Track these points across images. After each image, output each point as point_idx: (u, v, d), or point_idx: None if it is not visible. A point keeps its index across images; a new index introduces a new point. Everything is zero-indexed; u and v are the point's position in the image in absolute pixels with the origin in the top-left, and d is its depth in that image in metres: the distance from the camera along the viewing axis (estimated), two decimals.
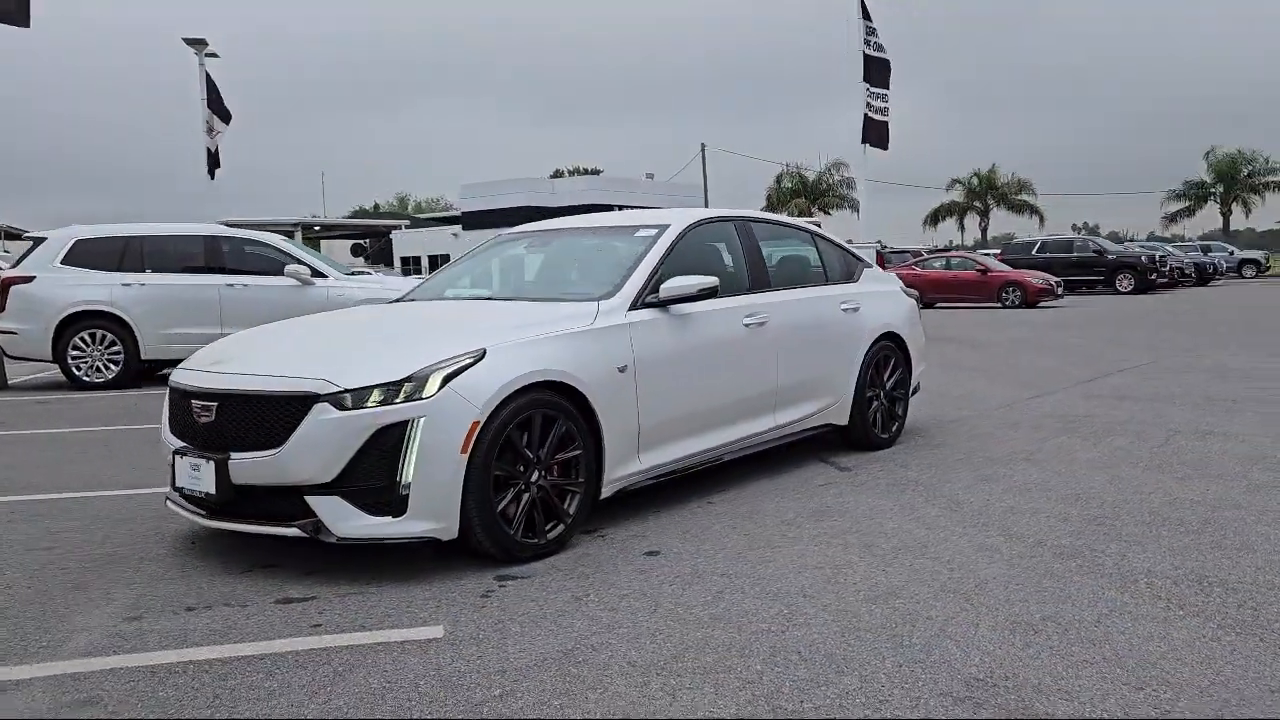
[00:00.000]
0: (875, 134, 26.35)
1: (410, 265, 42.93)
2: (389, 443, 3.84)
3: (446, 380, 3.92)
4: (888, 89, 26.52)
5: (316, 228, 45.17)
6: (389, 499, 3.86)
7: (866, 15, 25.88)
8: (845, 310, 6.24)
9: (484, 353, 4.06)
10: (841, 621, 3.38)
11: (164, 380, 4.92)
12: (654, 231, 5.29)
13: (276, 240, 12.61)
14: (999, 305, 25.70)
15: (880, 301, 6.63)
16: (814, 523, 4.70)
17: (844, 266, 6.59)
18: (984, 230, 60.39)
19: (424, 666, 3.09)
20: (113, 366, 11.41)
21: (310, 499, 3.90)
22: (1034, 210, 58.18)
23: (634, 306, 4.79)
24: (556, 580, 3.91)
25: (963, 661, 3.02)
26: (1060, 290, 27.06)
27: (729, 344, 5.25)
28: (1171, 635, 3.18)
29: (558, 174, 78.54)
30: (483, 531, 3.98)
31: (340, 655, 3.20)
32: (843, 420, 6.19)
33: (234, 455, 4.00)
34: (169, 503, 4.50)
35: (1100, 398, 8.48)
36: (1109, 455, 6.03)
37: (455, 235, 46.51)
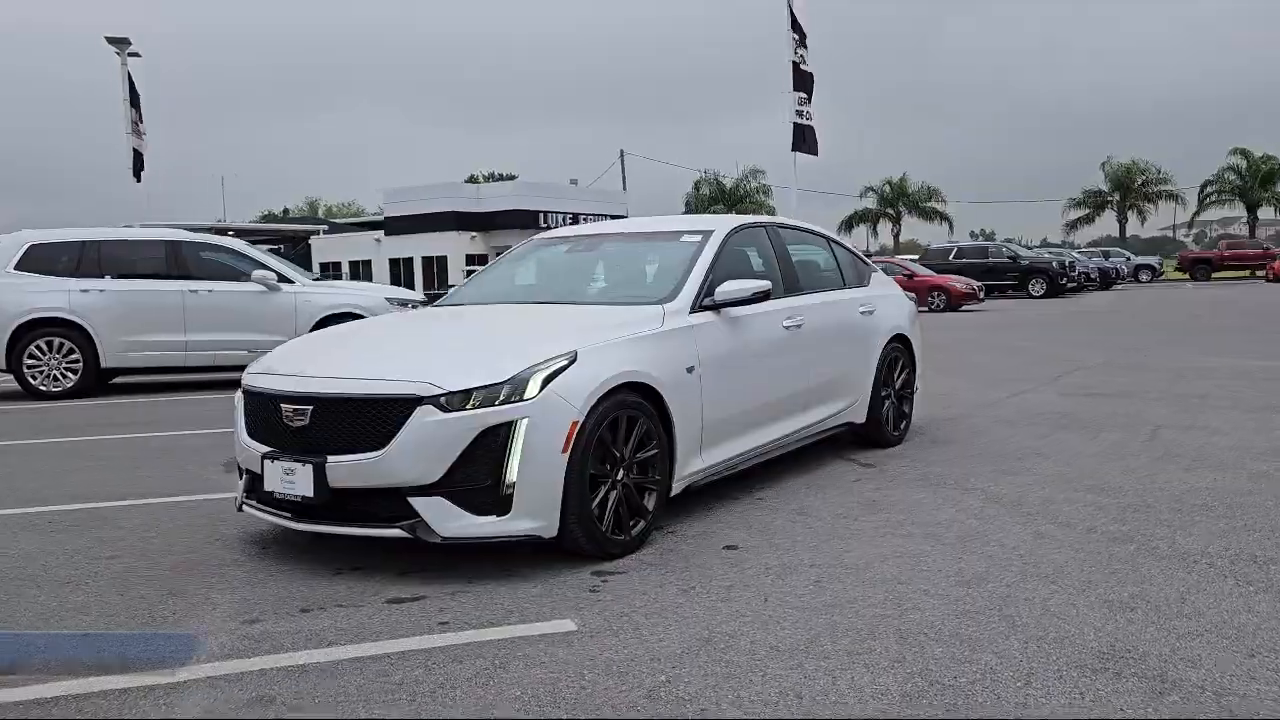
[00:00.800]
0: (805, 141, 26.99)
1: (329, 271, 42.22)
2: (493, 444, 3.92)
3: (546, 382, 4.02)
4: (808, 94, 27.23)
5: (230, 233, 44.08)
6: (493, 499, 3.94)
7: (796, 27, 26.49)
8: (863, 313, 6.51)
9: (575, 355, 4.17)
10: (948, 605, 3.59)
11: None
12: (699, 237, 5.46)
13: (240, 245, 12.41)
14: (925, 309, 26.52)
15: (890, 304, 6.92)
16: (868, 515, 4.91)
17: (856, 271, 6.86)
18: (896, 236, 62.06)
19: (578, 656, 3.19)
20: (71, 375, 11.07)
21: (413, 500, 3.96)
22: (943, 217, 60.07)
23: (693, 310, 4.95)
24: (654, 575, 4.04)
25: (1080, 637, 3.25)
26: (982, 294, 28.08)
27: (772, 345, 5.44)
28: (1256, 608, 3.47)
29: (472, 179, 77.90)
30: (579, 529, 4.09)
31: (488, 649, 3.28)
32: (861, 419, 6.45)
33: (331, 458, 4.02)
34: (246, 507, 4.49)
35: (1074, 396, 8.94)
36: (1110, 448, 6.41)
37: (378, 241, 45.91)
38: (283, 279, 11.79)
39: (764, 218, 6.12)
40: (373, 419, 4.01)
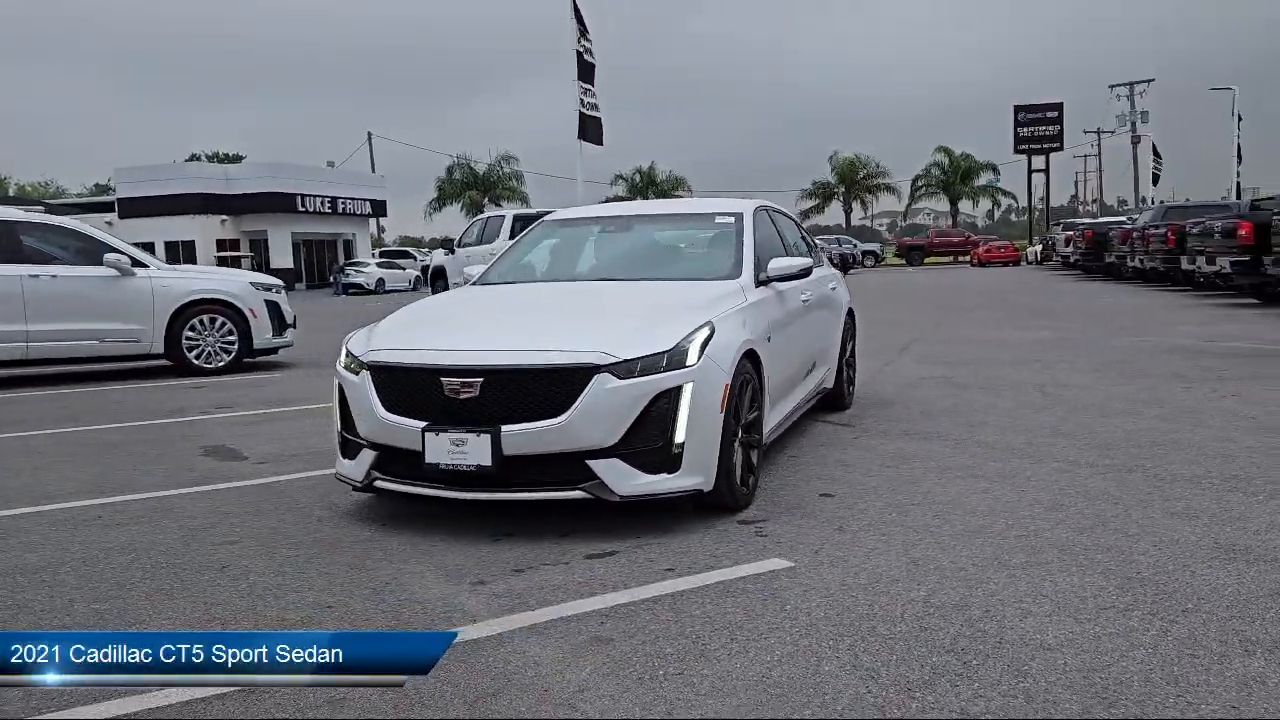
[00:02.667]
0: (591, 130, 27.71)
1: None
2: (664, 407, 4.26)
3: (702, 349, 4.40)
4: (592, 85, 28.02)
5: None
6: (664, 458, 4.27)
7: (579, 16, 27.13)
8: (832, 289, 7.24)
9: (712, 325, 4.56)
10: (1059, 525, 4.32)
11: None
12: (731, 219, 5.96)
13: (87, 227, 11.41)
14: None
15: (840, 282, 7.71)
16: (908, 464, 5.61)
17: (814, 251, 7.58)
18: None
19: (828, 583, 3.64)
20: None
21: (592, 463, 4.22)
22: None
23: (756, 285, 5.45)
24: (798, 520, 4.51)
25: (1179, 530, 4.07)
26: None
27: (799, 317, 6.03)
28: (1254, 504, 4.46)
29: (194, 158, 72.82)
30: (725, 483, 4.50)
31: (738, 586, 3.65)
32: (831, 384, 7.18)
33: (505, 427, 4.19)
34: (379, 482, 4.53)
35: (934, 364, 10.16)
36: (1025, 405, 7.53)
37: (109, 224, 42.09)
38: (136, 263, 10.99)
39: (763, 202, 6.66)
40: (550, 388, 4.22)
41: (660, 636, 3.21)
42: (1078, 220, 42.46)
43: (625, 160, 59.83)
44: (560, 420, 4.18)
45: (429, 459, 4.30)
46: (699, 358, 4.37)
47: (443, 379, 4.30)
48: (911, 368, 9.95)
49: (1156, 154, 58.88)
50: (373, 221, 53.61)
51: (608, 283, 5.55)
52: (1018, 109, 62.15)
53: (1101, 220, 36.79)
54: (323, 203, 45.36)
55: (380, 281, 41.46)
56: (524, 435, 4.19)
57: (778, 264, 5.59)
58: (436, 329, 4.82)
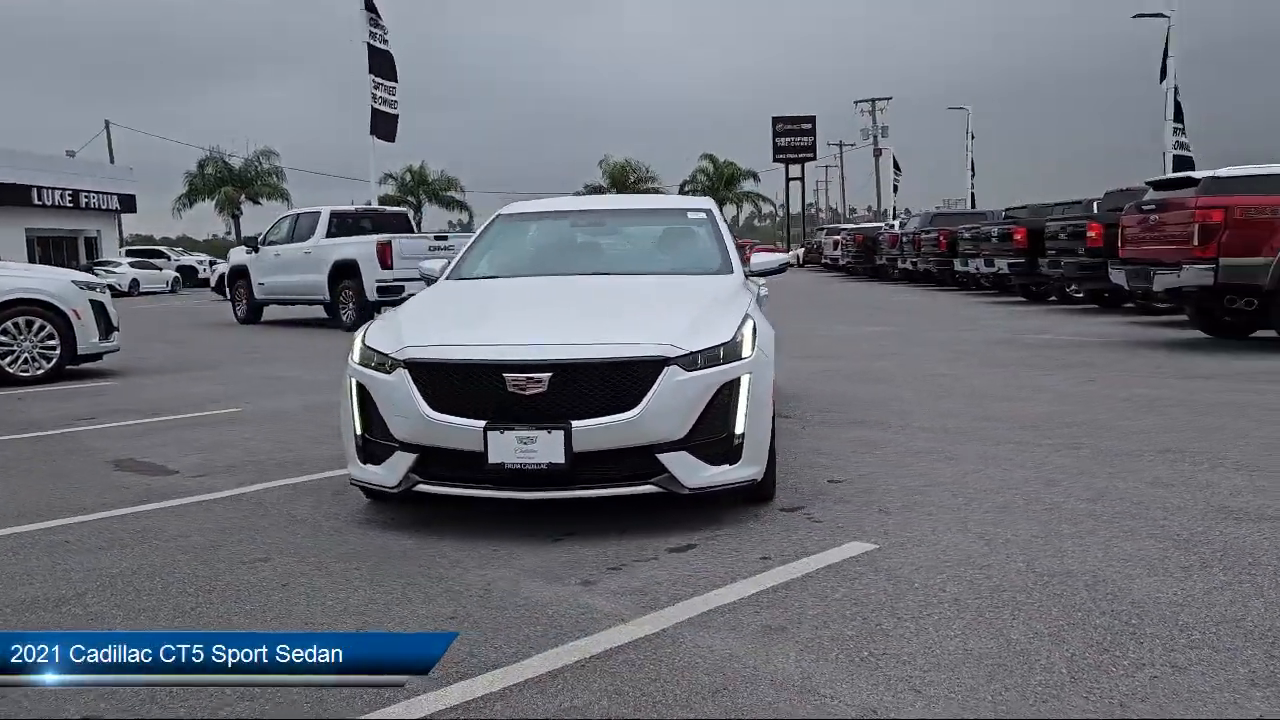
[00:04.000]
0: (383, 126, 26.93)
1: None
2: (726, 398, 4.28)
3: (754, 341, 4.46)
4: (395, 82, 27.24)
5: None
6: (726, 449, 4.30)
7: (372, 8, 26.28)
8: (760, 285, 7.46)
9: (749, 319, 4.63)
10: (1077, 500, 4.72)
11: None
12: (703, 214, 6.06)
13: None
14: None
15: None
16: (890, 447, 5.90)
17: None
18: (419, 224, 62.70)
19: (926, 560, 3.80)
20: None
21: (662, 456, 4.18)
22: (463, 206, 62.16)
23: (746, 278, 5.56)
24: (831, 506, 4.66)
25: (1167, 502, 4.57)
26: None
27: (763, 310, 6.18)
28: (1180, 469, 5.08)
29: None
30: (769, 473, 4.58)
31: (849, 569, 3.75)
32: None
33: (575, 423, 4.08)
34: (424, 486, 4.28)
35: (823, 359, 10.67)
36: (944, 394, 8.07)
37: None
38: None
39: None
40: (619, 381, 4.14)
41: (826, 621, 3.25)
42: (842, 225, 45.46)
43: (394, 159, 57.82)
44: (633, 414, 4.12)
45: (493, 459, 4.11)
46: (753, 349, 4.43)
47: (506, 375, 4.12)
48: (788, 362, 10.35)
49: (896, 166, 63.88)
50: (122, 218, 49.16)
51: (616, 277, 5.47)
52: (775, 120, 65.80)
53: (869, 225, 39.59)
54: (63, 196, 41.10)
55: (134, 283, 38.10)
56: (597, 431, 4.09)
57: (760, 259, 5.72)
58: (476, 324, 4.61)
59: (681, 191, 67.17)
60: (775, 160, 66.15)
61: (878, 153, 68.24)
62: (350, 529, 4.48)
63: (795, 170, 66.85)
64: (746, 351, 4.39)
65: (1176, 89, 27.99)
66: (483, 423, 4.12)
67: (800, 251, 53.37)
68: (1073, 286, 17.31)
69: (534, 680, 2.86)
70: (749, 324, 4.52)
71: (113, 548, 4.28)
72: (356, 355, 4.55)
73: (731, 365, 4.32)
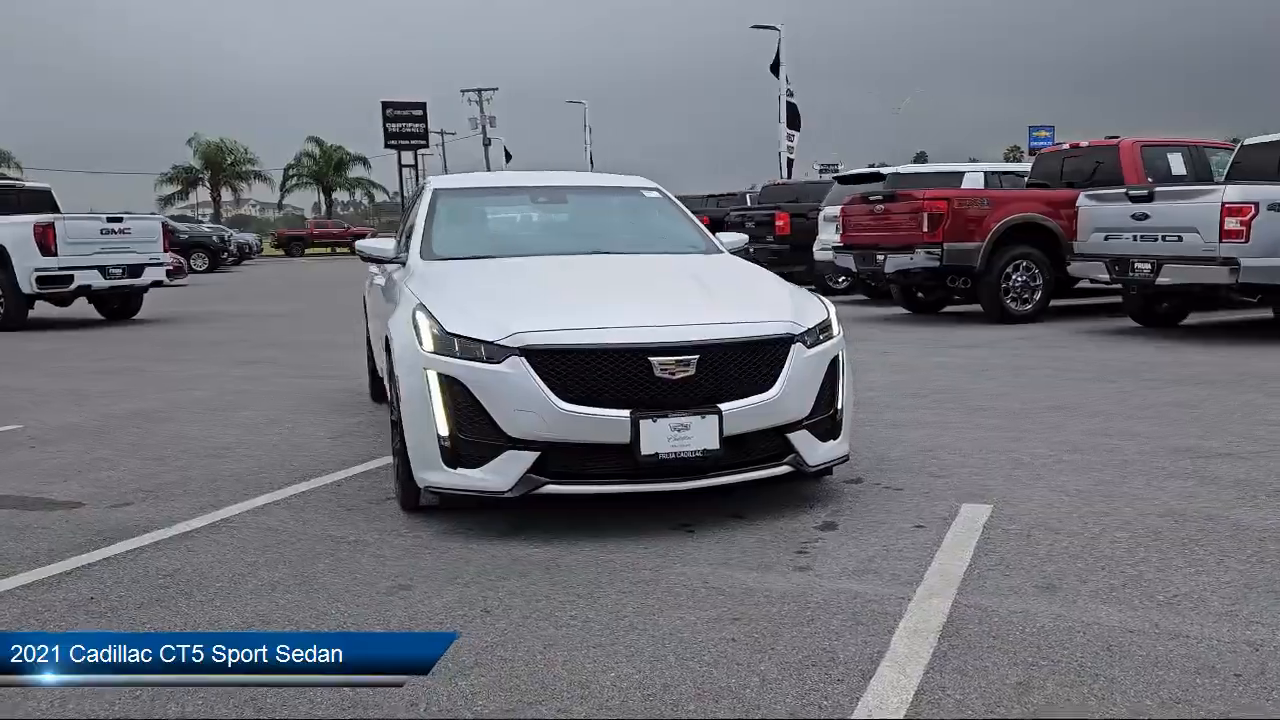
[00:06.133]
0: None
1: None
2: (833, 375, 4.31)
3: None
4: None
5: None
6: (831, 426, 4.32)
7: None
8: None
9: (818, 295, 4.68)
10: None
11: None
12: (656, 193, 5.91)
13: None
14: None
15: None
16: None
17: None
18: None
19: (1057, 515, 4.12)
20: None
21: (791, 436, 4.12)
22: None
23: None
24: (888, 474, 4.85)
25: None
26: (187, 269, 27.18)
27: None
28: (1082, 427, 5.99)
29: None
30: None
31: (1010, 528, 3.96)
32: None
33: (723, 406, 3.90)
34: (551, 487, 3.85)
35: None
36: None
37: None
38: None
39: None
40: (757, 361, 4.02)
41: (1071, 575, 3.43)
42: None
43: None
44: (772, 393, 4.01)
45: (645, 450, 3.79)
46: (838, 326, 4.47)
47: (653, 359, 3.82)
48: None
49: (508, 156, 65.10)
50: None
51: (634, 255, 5.19)
52: (385, 105, 63.74)
53: None
54: None
55: None
56: (744, 413, 3.94)
57: (726, 238, 5.73)
58: (563, 306, 4.16)
59: (285, 176, 63.42)
60: (387, 146, 64.09)
61: (487, 143, 68.94)
62: (463, 545, 3.88)
63: (409, 157, 65.43)
64: (836, 328, 4.43)
65: (790, 93, 31.36)
66: (627, 412, 3.79)
67: None
68: None
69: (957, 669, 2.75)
70: (825, 300, 4.56)
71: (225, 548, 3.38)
72: (429, 344, 3.96)
73: (834, 341, 4.34)
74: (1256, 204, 9.11)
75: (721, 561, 3.63)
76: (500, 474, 3.86)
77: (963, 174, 15.16)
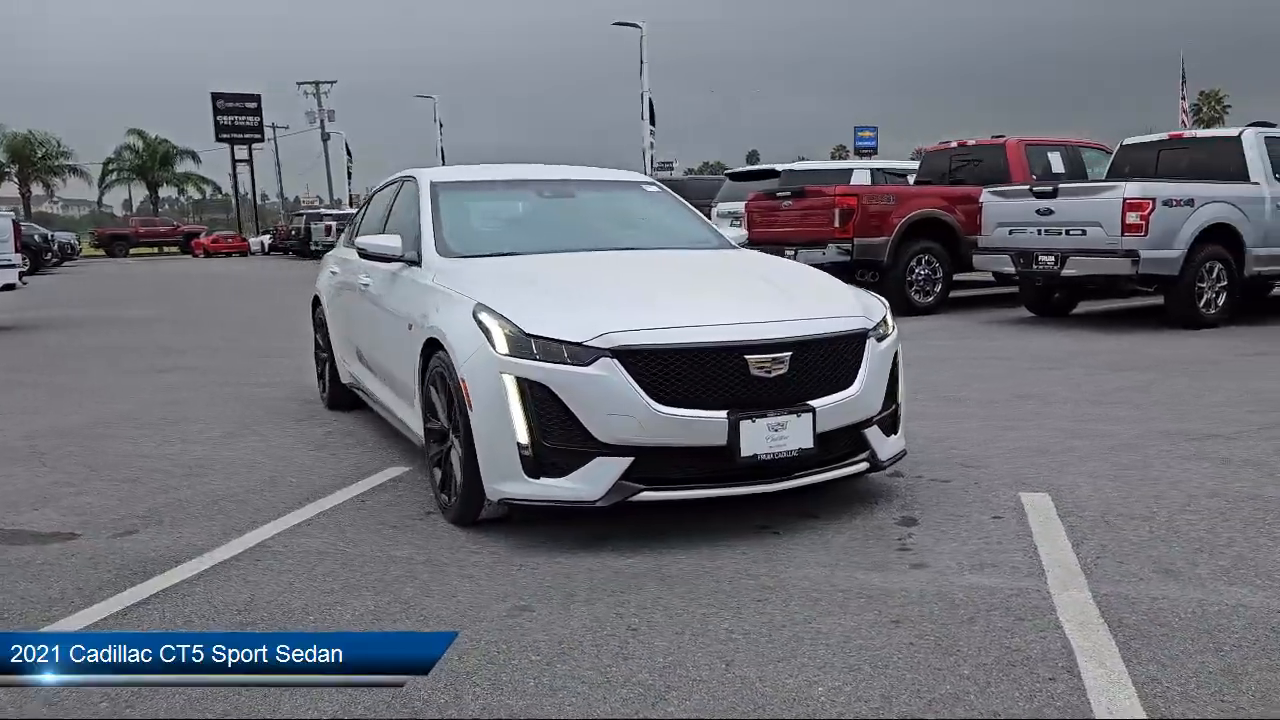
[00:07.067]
0: None
1: None
2: (895, 369, 4.29)
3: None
4: None
5: None
6: (893, 420, 4.30)
7: None
8: None
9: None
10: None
11: None
12: (655, 187, 5.78)
13: None
14: None
15: None
16: None
17: None
18: None
19: (1123, 500, 4.24)
20: None
21: (866, 432, 4.08)
22: None
23: None
24: (924, 466, 4.89)
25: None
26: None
27: None
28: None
29: None
30: None
31: (1089, 517, 4.05)
32: None
33: (815, 403, 3.83)
34: (647, 494, 3.67)
35: None
36: None
37: None
38: None
39: None
40: (840, 357, 3.96)
41: (1179, 559, 3.52)
42: (324, 210, 43.48)
43: None
44: (854, 389, 3.96)
45: (745, 451, 3.66)
46: (893, 320, 4.46)
47: (749, 357, 3.70)
48: None
49: (349, 150, 63.06)
50: None
51: (667, 251, 5.04)
52: (215, 96, 60.57)
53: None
54: None
55: None
56: (834, 410, 3.88)
57: (730, 234, 5.64)
58: (636, 303, 3.96)
59: (105, 171, 59.42)
60: (219, 140, 60.97)
61: (325, 137, 66.54)
62: (549, 560, 3.65)
63: (242, 152, 62.28)
64: (892, 324, 4.42)
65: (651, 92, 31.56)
66: (724, 412, 3.66)
67: (265, 239, 50.28)
68: None
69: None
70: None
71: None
72: (503, 346, 3.71)
73: (894, 336, 4.32)
74: (1154, 199, 9.73)
75: (831, 563, 3.55)
76: (590, 482, 3.65)
77: (851, 171, 15.66)
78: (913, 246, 12.06)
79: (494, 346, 3.73)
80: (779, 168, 15.60)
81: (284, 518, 4.26)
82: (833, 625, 3.01)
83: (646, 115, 31.58)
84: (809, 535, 3.85)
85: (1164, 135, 11.86)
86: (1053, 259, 10.37)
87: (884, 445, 4.18)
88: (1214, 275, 10.15)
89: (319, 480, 4.87)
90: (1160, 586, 3.25)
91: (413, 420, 4.69)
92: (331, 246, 8.30)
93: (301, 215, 42.67)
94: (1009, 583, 3.32)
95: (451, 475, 4.08)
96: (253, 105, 62.12)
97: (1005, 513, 4.08)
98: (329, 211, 41.00)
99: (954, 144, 14.09)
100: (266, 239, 49.63)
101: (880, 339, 4.16)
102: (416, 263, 4.81)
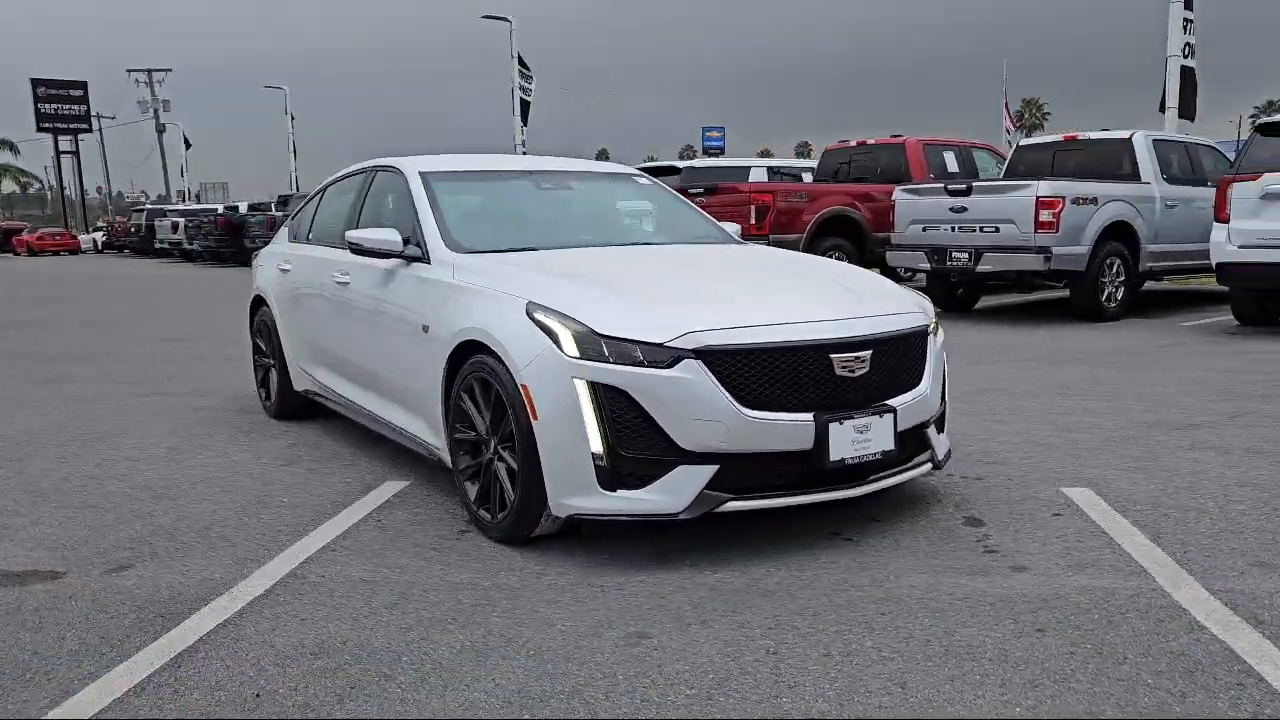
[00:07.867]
0: None
1: None
2: (943, 367, 4.20)
3: None
4: None
5: None
6: (942, 418, 4.21)
7: None
8: None
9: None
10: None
11: None
12: (647, 181, 5.53)
13: None
14: None
15: None
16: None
17: None
18: None
19: (1164, 490, 4.27)
20: None
21: (928, 431, 3.98)
22: None
23: None
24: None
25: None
26: None
27: None
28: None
29: None
30: None
31: (1129, 503, 4.06)
32: None
33: (893, 402, 3.69)
34: (734, 504, 3.44)
35: None
36: None
37: None
38: None
39: None
40: (909, 355, 3.84)
41: (1263, 551, 3.54)
42: (193, 206, 40.46)
43: None
44: (923, 387, 3.86)
45: (834, 455, 3.48)
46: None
47: (833, 356, 3.52)
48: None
49: (187, 143, 59.84)
50: None
51: (683, 245, 4.83)
52: (36, 83, 56.17)
53: (229, 206, 36.11)
54: None
55: None
56: (909, 409, 3.76)
57: (729, 228, 5.46)
58: (695, 297, 3.74)
59: None
60: (40, 130, 56.60)
61: (160, 128, 62.85)
62: (633, 579, 3.37)
63: (67, 143, 57.98)
64: (933, 321, 4.33)
65: (523, 88, 31.08)
66: (810, 415, 3.47)
67: (98, 236, 47.01)
68: None
69: None
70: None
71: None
72: (572, 348, 3.41)
73: (941, 333, 4.23)
74: (1064, 198, 10.12)
75: (924, 569, 3.41)
76: (672, 493, 3.39)
77: (749, 169, 15.75)
78: (824, 244, 12.17)
79: (561, 349, 3.42)
80: (679, 165, 15.54)
81: (300, 543, 3.82)
82: (977, 637, 2.86)
83: (518, 111, 31.05)
84: (883, 540, 3.71)
85: (1059, 137, 12.37)
86: (967, 255, 10.64)
87: (939, 444, 4.09)
88: (1114, 270, 10.64)
89: (314, 499, 4.42)
90: (1266, 580, 3.25)
91: (422, 430, 4.31)
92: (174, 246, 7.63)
93: (142, 211, 39.94)
94: (1118, 583, 3.25)
95: (493, 489, 3.75)
96: (78, 93, 57.92)
97: (1062, 510, 4.04)
98: (175, 208, 38.60)
99: (853, 143, 14.34)
100: (100, 236, 46.41)
101: (934, 335, 4.06)
102: (419, 259, 4.42)
